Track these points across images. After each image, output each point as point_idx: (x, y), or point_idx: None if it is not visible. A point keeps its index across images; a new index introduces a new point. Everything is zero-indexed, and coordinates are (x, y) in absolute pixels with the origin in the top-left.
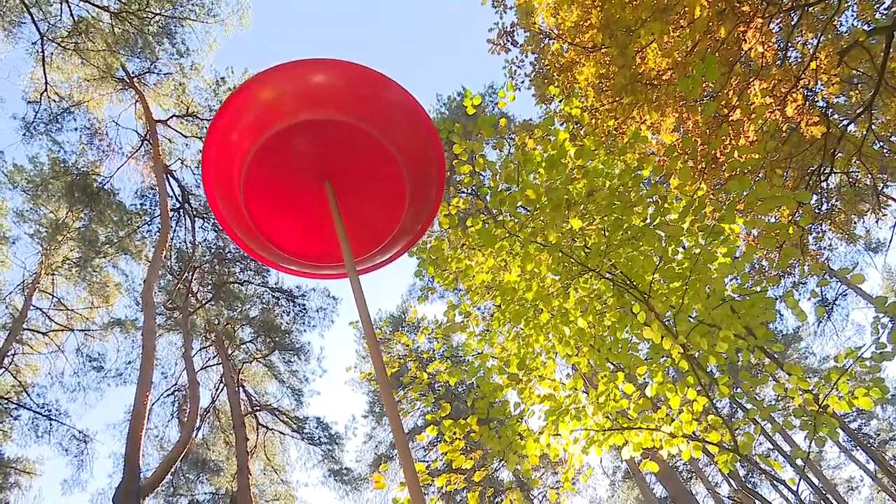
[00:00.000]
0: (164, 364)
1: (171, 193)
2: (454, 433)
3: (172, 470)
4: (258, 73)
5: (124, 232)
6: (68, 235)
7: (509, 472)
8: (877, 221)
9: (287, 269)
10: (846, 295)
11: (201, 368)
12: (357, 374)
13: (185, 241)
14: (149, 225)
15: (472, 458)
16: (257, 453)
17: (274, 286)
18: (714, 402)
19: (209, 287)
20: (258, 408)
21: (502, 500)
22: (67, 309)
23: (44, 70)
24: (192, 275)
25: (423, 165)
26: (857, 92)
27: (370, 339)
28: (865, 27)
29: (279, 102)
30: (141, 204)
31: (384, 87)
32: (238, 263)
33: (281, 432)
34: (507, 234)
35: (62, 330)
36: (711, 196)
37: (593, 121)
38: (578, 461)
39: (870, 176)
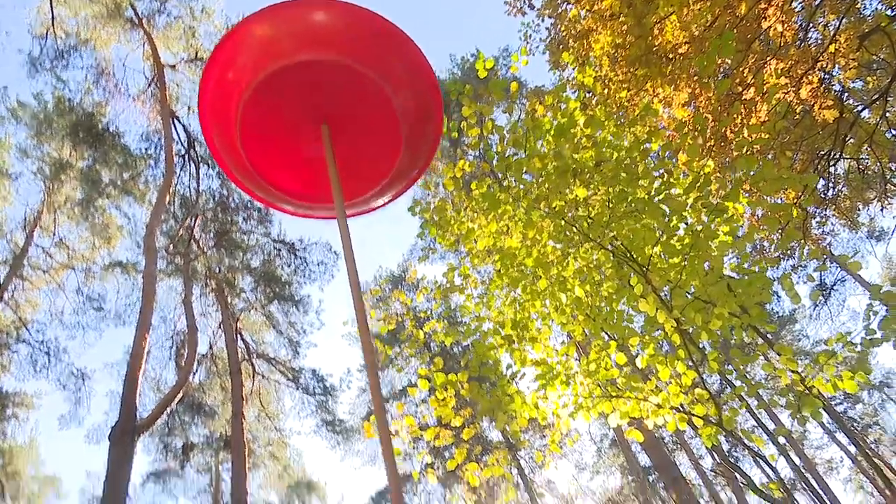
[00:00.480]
0: (164, 308)
1: (176, 139)
2: (445, 389)
3: (168, 411)
4: (256, 11)
5: (128, 175)
6: (72, 175)
7: (498, 431)
8: (882, 210)
9: (280, 208)
10: (844, 281)
11: (201, 315)
12: (354, 330)
13: (188, 188)
14: (153, 169)
15: (461, 416)
16: (252, 400)
17: (276, 238)
18: (703, 376)
19: (211, 235)
20: (255, 356)
21: (489, 459)
22: (68, 248)
23: (51, 4)
24: (195, 222)
25: (421, 115)
26: (874, 78)
27: (353, 284)
28: (889, 12)
29: (277, 42)
30: (146, 148)
31: (386, 33)
32: (241, 213)
33: (276, 381)
34: (511, 200)
35: (63, 268)
36: (718, 174)
37: (606, 91)
38: (566, 425)
39: (879, 164)
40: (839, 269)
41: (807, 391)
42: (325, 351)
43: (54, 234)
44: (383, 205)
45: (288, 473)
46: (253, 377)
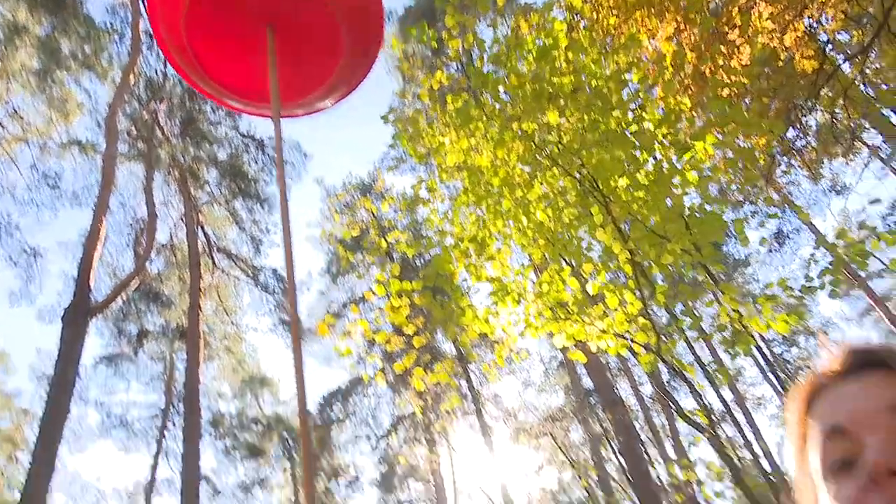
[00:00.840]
0: (123, 193)
1: (144, 14)
2: (400, 296)
3: (124, 297)
4: None
5: (90, 48)
6: (28, 41)
7: (451, 344)
8: (846, 164)
9: (220, 101)
10: (800, 231)
11: (161, 204)
12: (317, 233)
13: (155, 70)
14: (118, 46)
15: (414, 324)
16: (210, 294)
17: (245, 133)
18: (649, 308)
19: (177, 122)
20: (216, 250)
21: (436, 366)
22: (23, 120)
23: None
24: (160, 106)
25: (361, 19)
26: (860, 32)
27: (280, 182)
28: None
29: None
30: (110, 22)
31: None
32: (210, 102)
33: (236, 277)
34: (485, 118)
35: (16, 141)
36: (693, 112)
37: (594, 14)
38: (514, 342)
39: (850, 119)
40: (798, 218)
41: (742, 329)
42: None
43: (7, 103)
44: (327, 107)
45: (242, 368)
46: (212, 271)
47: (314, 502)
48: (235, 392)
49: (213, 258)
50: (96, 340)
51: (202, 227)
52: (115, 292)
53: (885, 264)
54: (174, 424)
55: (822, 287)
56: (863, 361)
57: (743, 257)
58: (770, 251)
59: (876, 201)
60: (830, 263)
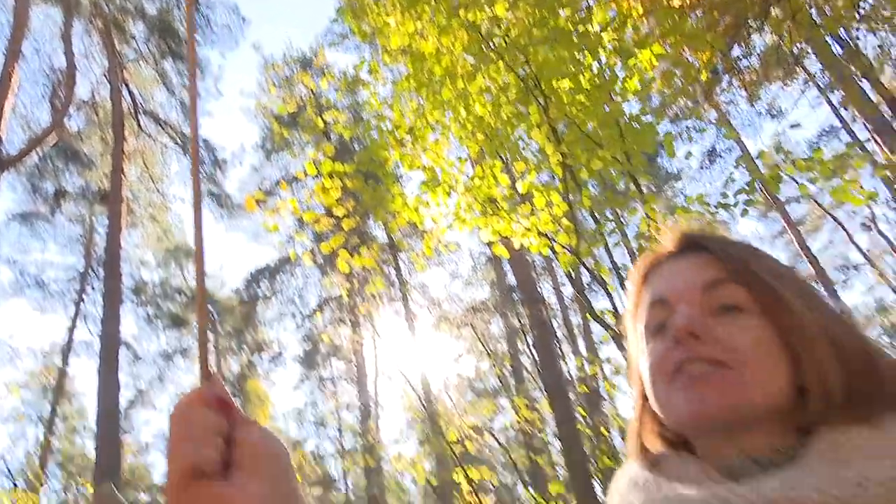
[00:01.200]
0: (39, 40)
1: None
2: (332, 178)
3: (40, 153)
4: None
5: None
6: None
7: (383, 233)
8: (783, 89)
9: None
10: (732, 150)
11: (83, 56)
12: (252, 104)
13: None
14: None
15: (344, 206)
16: (135, 159)
17: None
18: (574, 210)
19: None
20: (142, 113)
21: (362, 250)
22: None
23: None
24: None
25: None
26: None
27: (190, 48)
28: None
29: None
30: None
31: None
32: None
33: (164, 144)
34: (433, 1)
35: None
36: (642, 20)
37: None
38: (442, 233)
39: (794, 43)
40: (725, 137)
41: (657, 238)
42: (221, 123)
43: None
44: None
45: (168, 237)
46: (137, 135)
47: (207, 364)
48: (159, 262)
49: (138, 121)
50: (8, 195)
51: (127, 86)
52: (30, 146)
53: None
54: (94, 289)
55: (735, 205)
56: (689, 243)
57: (675, 171)
58: (701, 168)
59: (796, 126)
60: (747, 184)
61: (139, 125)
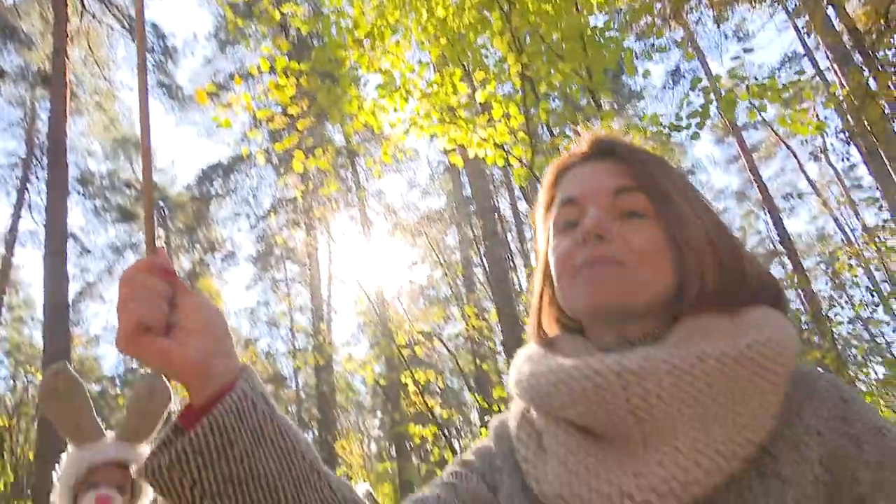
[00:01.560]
0: None
1: None
2: (287, 75)
3: None
4: None
5: None
6: None
7: (341, 133)
8: (751, 10)
9: None
10: (696, 71)
11: None
12: None
13: None
14: None
15: (298, 105)
16: (79, 40)
17: None
18: (531, 123)
19: None
20: None
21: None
22: None
23: None
24: None
25: None
26: None
27: None
28: None
29: None
30: None
31: None
32: None
33: (110, 26)
34: None
35: None
36: None
37: None
38: (400, 139)
39: None
40: (685, 58)
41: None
42: (172, 7)
43: None
44: None
45: (115, 127)
46: (81, 14)
47: (153, 239)
48: (107, 152)
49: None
50: None
51: None
52: None
53: (760, 116)
54: (38, 178)
55: (687, 127)
56: (601, 148)
57: (639, 90)
58: (664, 88)
59: (749, 50)
60: (701, 106)
61: (82, 3)
